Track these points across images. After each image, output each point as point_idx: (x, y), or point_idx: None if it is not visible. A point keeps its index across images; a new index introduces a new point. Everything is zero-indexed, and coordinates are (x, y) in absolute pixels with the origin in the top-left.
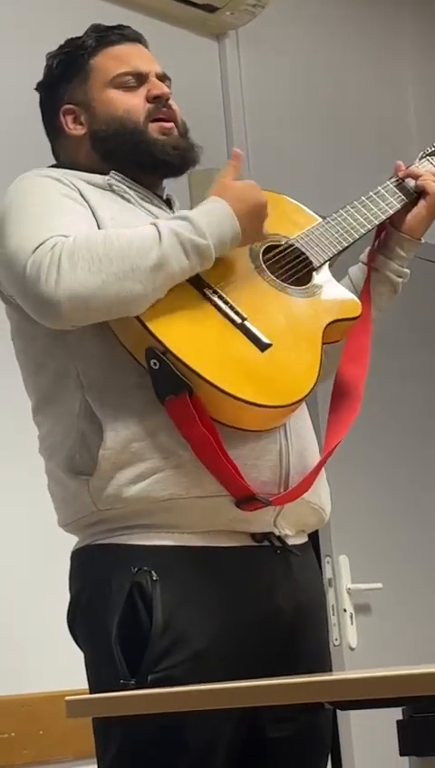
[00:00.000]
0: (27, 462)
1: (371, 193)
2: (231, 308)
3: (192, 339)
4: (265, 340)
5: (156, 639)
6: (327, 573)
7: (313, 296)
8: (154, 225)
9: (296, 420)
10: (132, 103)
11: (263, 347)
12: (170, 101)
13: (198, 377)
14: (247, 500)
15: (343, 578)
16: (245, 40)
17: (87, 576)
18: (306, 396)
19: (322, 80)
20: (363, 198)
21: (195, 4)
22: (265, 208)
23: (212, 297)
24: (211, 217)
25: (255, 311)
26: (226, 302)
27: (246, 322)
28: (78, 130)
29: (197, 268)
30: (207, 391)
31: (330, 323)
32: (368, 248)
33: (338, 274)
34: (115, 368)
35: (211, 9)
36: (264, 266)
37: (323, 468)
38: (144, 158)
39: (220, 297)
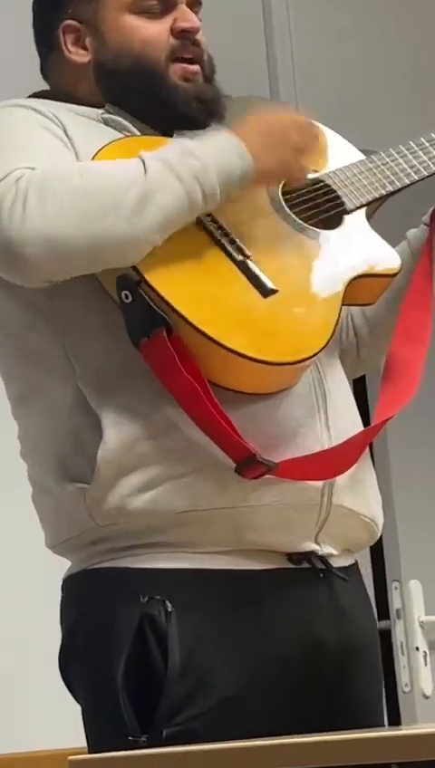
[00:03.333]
0: (5, 468)
1: (433, 134)
2: (231, 242)
3: (177, 270)
4: (270, 284)
5: (172, 685)
6: (395, 603)
7: (339, 242)
8: (139, 155)
9: (338, 387)
10: (153, 33)
11: (266, 292)
12: (199, 37)
13: (173, 312)
14: (247, 462)
15: (415, 608)
16: None
17: (84, 608)
18: (312, 357)
19: (384, 23)
20: (423, 140)
21: None
22: (293, 134)
23: (209, 226)
24: (208, 143)
25: (261, 250)
26: (226, 235)
27: (248, 261)
28: (80, 56)
29: (198, 200)
30: (186, 333)
31: (356, 278)
32: (432, 208)
33: (393, 241)
34: (115, 346)
35: None
36: (282, 201)
37: (371, 464)
38: (161, 108)
39: (219, 228)
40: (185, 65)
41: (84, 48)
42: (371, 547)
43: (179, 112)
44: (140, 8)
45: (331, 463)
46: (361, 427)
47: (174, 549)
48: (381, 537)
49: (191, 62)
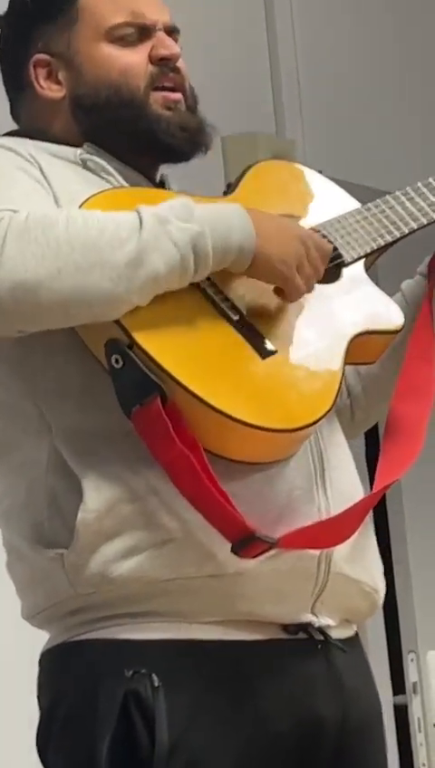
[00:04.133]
0: None
1: (430, 179)
2: (225, 300)
3: (170, 332)
4: (269, 345)
5: (160, 767)
6: (411, 676)
7: (338, 298)
8: (136, 210)
9: (335, 448)
10: (131, 61)
11: (264, 353)
12: (179, 64)
13: (169, 377)
14: (245, 541)
15: (433, 681)
16: None
17: (64, 684)
18: (315, 423)
19: (394, 8)
20: (420, 186)
21: None
22: (309, 248)
23: (202, 284)
24: (216, 212)
25: (258, 308)
26: (219, 293)
27: (244, 321)
28: (53, 91)
29: (189, 269)
30: (182, 399)
31: (359, 335)
32: (428, 258)
33: (388, 292)
34: (94, 406)
35: None
36: None
37: (373, 529)
38: (142, 139)
39: (213, 286)
40: (166, 93)
41: (58, 83)
42: (385, 616)
43: (162, 143)
44: (115, 37)
45: (332, 532)
46: (361, 492)
47: (160, 619)
48: (396, 606)
49: (173, 90)
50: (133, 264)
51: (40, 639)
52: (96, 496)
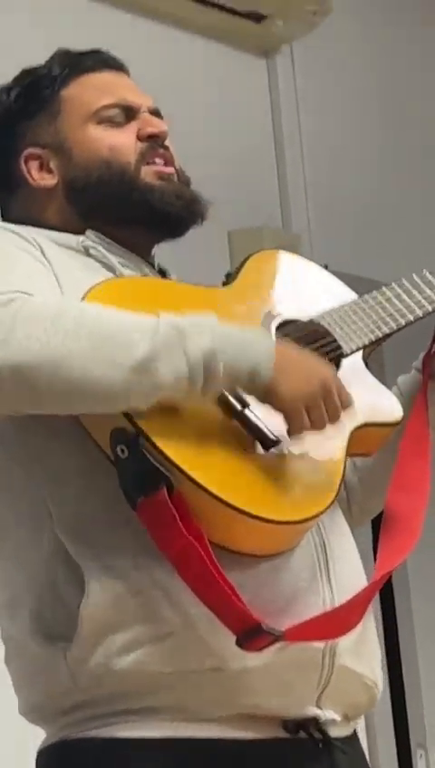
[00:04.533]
0: None
1: (425, 272)
2: (230, 390)
3: (175, 422)
4: (271, 436)
5: None
6: None
7: None
8: (157, 314)
9: (338, 539)
10: (120, 139)
11: (268, 444)
12: (167, 143)
13: (177, 469)
14: (250, 634)
15: None
16: (301, 56)
17: None
18: (319, 514)
19: (397, 105)
20: (415, 277)
21: (235, 12)
22: (325, 387)
23: None
24: (240, 335)
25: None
26: None
27: (246, 411)
28: (46, 180)
29: (196, 388)
30: (188, 490)
31: (359, 427)
32: (423, 353)
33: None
34: (97, 493)
35: (257, 18)
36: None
37: (373, 619)
38: (137, 211)
39: None
40: (158, 167)
41: (50, 171)
42: (393, 710)
43: (159, 211)
44: (102, 118)
45: (337, 623)
46: (365, 582)
47: (161, 716)
48: (404, 699)
49: (164, 164)
50: (139, 370)
51: (36, 737)
52: (99, 589)
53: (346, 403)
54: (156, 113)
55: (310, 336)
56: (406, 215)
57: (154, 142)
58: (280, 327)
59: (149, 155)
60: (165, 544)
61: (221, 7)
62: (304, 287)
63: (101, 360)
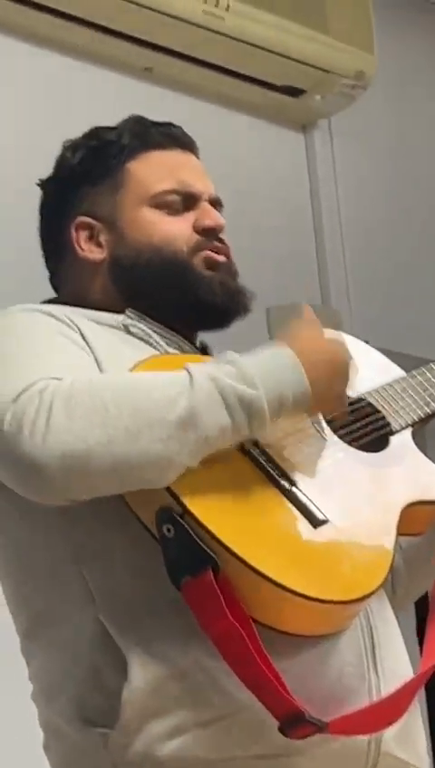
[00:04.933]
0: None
1: None
2: (276, 468)
3: (222, 501)
4: (320, 514)
5: None
6: None
7: (388, 467)
8: (186, 368)
9: (384, 624)
10: (175, 230)
11: (316, 522)
12: (223, 236)
13: (225, 549)
14: (294, 722)
15: None
16: (340, 131)
17: None
18: (370, 594)
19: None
20: None
21: (273, 87)
22: (348, 371)
23: (252, 452)
24: (266, 365)
25: (309, 477)
26: (270, 461)
27: (295, 489)
28: (94, 253)
29: (243, 429)
30: (237, 571)
31: (409, 505)
32: None
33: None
34: (141, 575)
35: (295, 92)
36: (324, 423)
37: (418, 708)
38: (181, 299)
39: (263, 454)
40: (210, 253)
41: (99, 245)
42: None
43: (204, 302)
44: (160, 203)
45: (382, 715)
46: (410, 670)
47: None
48: None
49: (217, 252)
50: (184, 425)
51: None
52: (142, 674)
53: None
54: (216, 203)
55: (359, 413)
56: None
57: (210, 235)
58: None
59: (203, 245)
60: (208, 626)
61: (260, 82)
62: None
63: (144, 425)
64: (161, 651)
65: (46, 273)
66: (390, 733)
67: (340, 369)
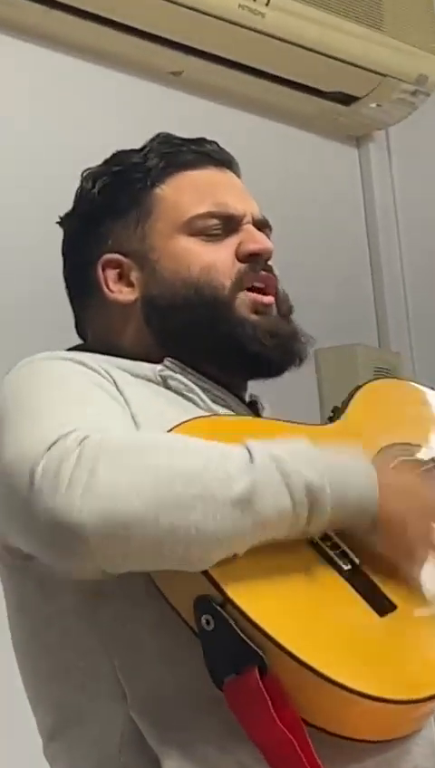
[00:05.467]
0: None
1: None
2: (335, 547)
3: (270, 587)
4: (387, 601)
5: None
6: None
7: None
8: (245, 445)
9: None
10: (216, 258)
11: (383, 609)
12: (271, 263)
13: (273, 644)
14: None
15: None
16: (399, 144)
17: None
18: None
19: None
20: None
21: (321, 93)
22: None
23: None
24: (338, 459)
25: (370, 556)
26: (327, 538)
27: (357, 570)
28: (124, 294)
29: (301, 520)
30: (288, 669)
31: None
32: None
33: None
34: (178, 669)
35: (346, 100)
36: None
37: None
38: (224, 347)
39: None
40: (256, 295)
41: (130, 284)
42: None
43: (249, 351)
44: (197, 229)
45: None
46: None
47: None
48: None
49: (264, 292)
50: (241, 506)
51: None
52: None
53: None
54: (262, 225)
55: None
56: None
57: (256, 263)
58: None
59: (248, 278)
60: (254, 733)
61: (305, 88)
62: (428, 421)
63: (198, 498)
64: (200, 752)
65: (69, 317)
66: None
67: (427, 510)
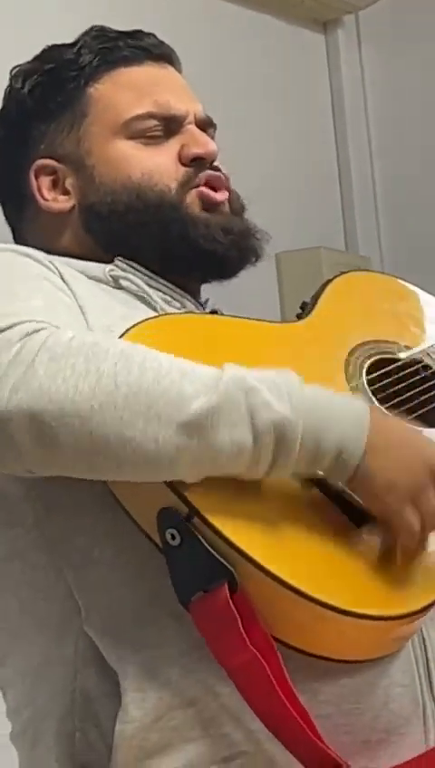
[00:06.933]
0: None
1: None
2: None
3: (238, 498)
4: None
5: None
6: None
7: None
8: (219, 366)
9: None
10: (157, 163)
11: (361, 520)
12: (217, 163)
13: (245, 558)
14: None
15: None
16: (369, 29)
17: None
18: (426, 608)
19: None
20: None
21: None
22: (432, 485)
23: None
24: (324, 397)
25: None
26: None
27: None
28: (60, 202)
29: (261, 460)
30: (259, 585)
31: None
32: None
33: None
34: (138, 581)
35: None
36: (369, 393)
37: None
38: (177, 248)
39: None
40: (205, 189)
41: (65, 192)
42: None
43: (203, 249)
44: (136, 131)
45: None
46: None
47: None
48: None
49: (214, 189)
50: (189, 431)
51: None
52: (138, 701)
53: None
54: (205, 124)
55: (410, 377)
56: None
57: (200, 165)
58: (371, 370)
59: (193, 180)
60: (223, 656)
61: None
62: (405, 315)
63: (139, 413)
64: (163, 673)
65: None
66: None
67: (417, 462)
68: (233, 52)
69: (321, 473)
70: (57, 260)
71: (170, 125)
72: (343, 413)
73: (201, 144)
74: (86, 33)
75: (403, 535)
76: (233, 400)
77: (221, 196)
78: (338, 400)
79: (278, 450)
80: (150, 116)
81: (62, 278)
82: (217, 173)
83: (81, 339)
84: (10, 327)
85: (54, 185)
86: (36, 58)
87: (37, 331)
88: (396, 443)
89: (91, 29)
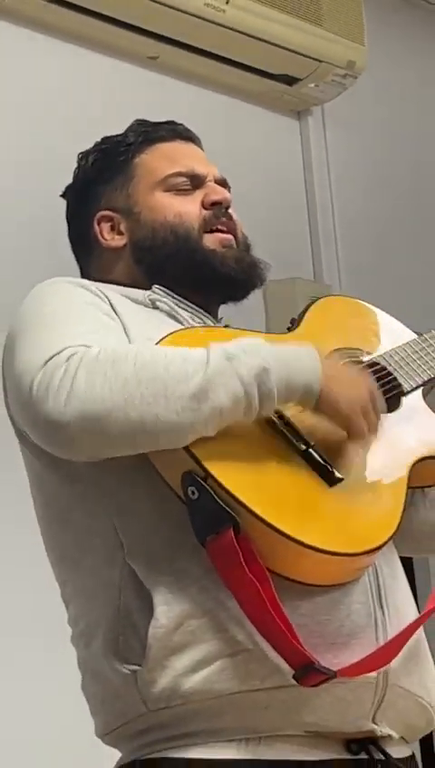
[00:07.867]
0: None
1: None
2: (293, 432)
3: (241, 464)
4: (336, 473)
5: None
6: None
7: (399, 426)
8: (206, 346)
9: (390, 569)
10: (186, 207)
11: (332, 481)
12: (231, 211)
13: (244, 509)
14: (305, 670)
15: None
16: (332, 118)
17: None
18: (381, 546)
19: (424, 160)
20: None
21: (270, 75)
22: (370, 400)
23: (273, 419)
24: (285, 351)
25: (323, 438)
26: (287, 424)
27: (311, 450)
28: (116, 241)
29: (253, 404)
30: (256, 529)
31: (419, 460)
32: None
33: None
34: (166, 524)
35: (290, 81)
36: None
37: (425, 645)
38: (201, 272)
39: (280, 417)
40: (219, 234)
41: (120, 233)
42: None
43: (220, 274)
44: (170, 186)
45: (386, 654)
46: (413, 607)
47: (229, 736)
48: None
49: (225, 232)
50: (198, 398)
51: (112, 757)
52: (166, 611)
53: (382, 410)
54: (221, 183)
55: (372, 376)
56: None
57: (218, 209)
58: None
59: (211, 222)
60: (229, 582)
61: (257, 71)
62: (365, 330)
63: (160, 395)
64: (184, 590)
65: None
66: (394, 665)
67: (359, 392)
68: (227, 134)
69: (294, 402)
70: (106, 287)
71: (195, 181)
72: (299, 355)
73: (219, 192)
74: (131, 125)
75: (358, 436)
76: (222, 366)
77: (230, 236)
78: (295, 349)
79: (261, 389)
80: (180, 174)
81: (110, 302)
82: (231, 221)
83: (105, 351)
84: (59, 352)
85: (112, 229)
86: (95, 144)
87: (76, 353)
88: (341, 372)
89: (135, 121)
